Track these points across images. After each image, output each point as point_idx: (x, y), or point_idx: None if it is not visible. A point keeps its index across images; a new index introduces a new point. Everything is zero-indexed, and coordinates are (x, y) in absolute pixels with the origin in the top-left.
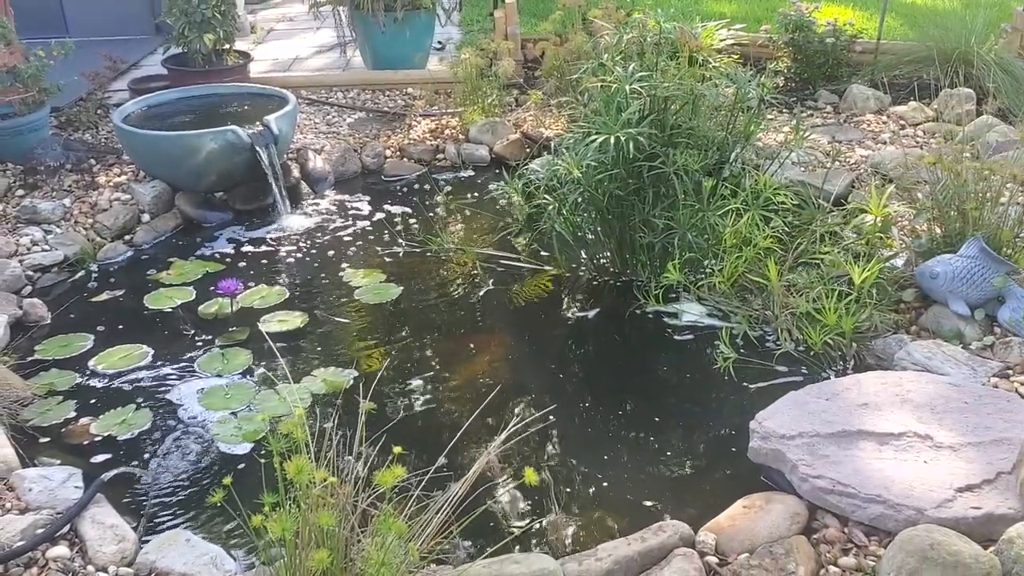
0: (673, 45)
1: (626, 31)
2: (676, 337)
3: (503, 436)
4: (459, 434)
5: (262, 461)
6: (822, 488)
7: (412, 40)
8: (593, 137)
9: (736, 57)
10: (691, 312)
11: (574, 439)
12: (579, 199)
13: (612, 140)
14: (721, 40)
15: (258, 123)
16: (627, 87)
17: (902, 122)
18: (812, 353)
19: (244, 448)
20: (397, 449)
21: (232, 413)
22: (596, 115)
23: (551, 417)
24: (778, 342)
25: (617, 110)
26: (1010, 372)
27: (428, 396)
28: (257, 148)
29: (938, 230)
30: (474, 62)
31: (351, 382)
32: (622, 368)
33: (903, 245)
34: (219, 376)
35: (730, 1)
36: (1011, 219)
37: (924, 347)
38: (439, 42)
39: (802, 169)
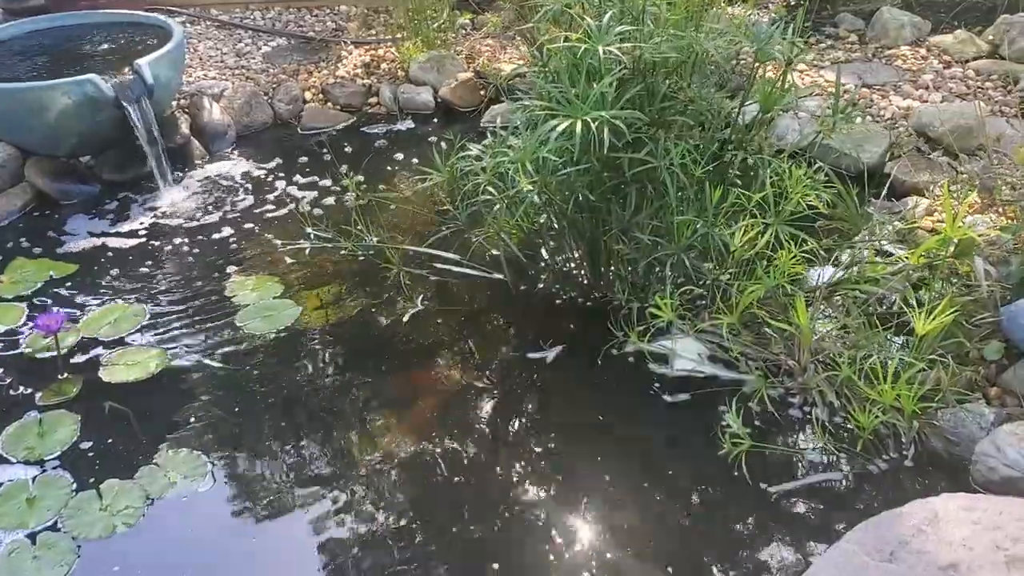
0: None
1: None
2: (667, 398)
3: None
4: None
5: None
6: None
7: None
8: (553, 123)
9: None
10: (686, 355)
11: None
12: (537, 199)
13: (579, 126)
14: None
15: (127, 69)
16: (601, 49)
17: (946, 58)
18: (853, 432)
19: None
20: None
21: (30, 535)
22: (554, 84)
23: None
24: (805, 407)
25: (587, 78)
26: None
27: (319, 507)
28: (124, 103)
29: None
30: None
31: (208, 477)
32: (593, 455)
33: (988, 278)
34: (27, 463)
35: None
36: None
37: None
38: None
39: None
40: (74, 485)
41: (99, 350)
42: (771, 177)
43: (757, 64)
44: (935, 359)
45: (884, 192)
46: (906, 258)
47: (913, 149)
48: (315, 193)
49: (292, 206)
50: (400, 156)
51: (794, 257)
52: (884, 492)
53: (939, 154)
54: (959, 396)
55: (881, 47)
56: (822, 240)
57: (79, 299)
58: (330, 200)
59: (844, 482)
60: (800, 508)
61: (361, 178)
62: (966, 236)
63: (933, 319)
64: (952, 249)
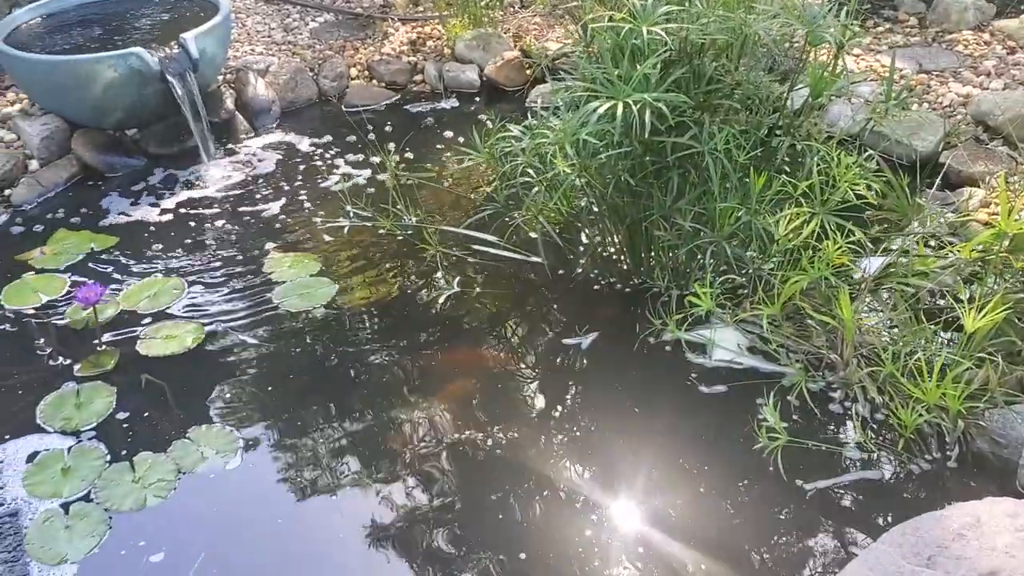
0: None
1: None
2: (703, 388)
3: None
4: None
5: None
6: None
7: None
8: (594, 105)
9: None
10: (725, 344)
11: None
12: (577, 181)
13: (620, 108)
14: None
15: (173, 43)
16: (645, 30)
17: (1010, 43)
18: (895, 430)
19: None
20: None
21: (63, 505)
22: (597, 65)
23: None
24: (846, 403)
25: (631, 60)
26: None
27: (350, 486)
28: (169, 77)
29: None
30: None
31: (239, 454)
32: (627, 445)
33: None
34: (64, 433)
35: None
36: None
37: None
38: None
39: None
40: (108, 456)
41: (137, 323)
42: (819, 165)
43: (808, 48)
44: (984, 357)
45: (937, 182)
46: (958, 251)
47: (971, 138)
48: (357, 171)
49: (333, 183)
50: (444, 135)
51: (840, 248)
52: (925, 493)
53: (998, 144)
54: (1008, 396)
55: (942, 31)
56: (870, 231)
57: (119, 272)
58: (372, 178)
59: (883, 481)
60: (836, 506)
61: (411, 156)
62: (1022, 230)
63: (984, 316)
64: (1007, 243)
